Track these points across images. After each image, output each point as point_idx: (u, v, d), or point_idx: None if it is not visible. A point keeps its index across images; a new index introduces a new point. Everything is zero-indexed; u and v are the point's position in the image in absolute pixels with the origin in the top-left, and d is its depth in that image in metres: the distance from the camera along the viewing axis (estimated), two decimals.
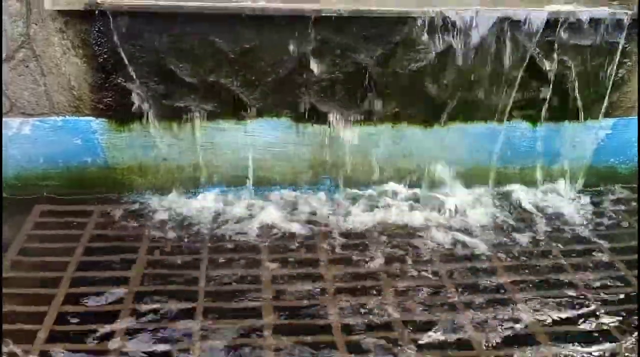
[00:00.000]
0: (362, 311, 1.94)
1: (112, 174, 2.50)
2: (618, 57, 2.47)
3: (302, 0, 2.32)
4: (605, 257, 2.28)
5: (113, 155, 2.46)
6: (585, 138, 2.69)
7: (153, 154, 2.47)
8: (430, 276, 2.13)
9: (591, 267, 2.21)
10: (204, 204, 2.52)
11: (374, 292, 2.04)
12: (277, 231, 2.38)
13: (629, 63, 2.53)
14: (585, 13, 2.37)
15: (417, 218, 2.50)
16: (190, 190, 2.56)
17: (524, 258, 2.26)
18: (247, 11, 2.26)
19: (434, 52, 2.40)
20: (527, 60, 2.44)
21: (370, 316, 1.91)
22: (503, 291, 2.06)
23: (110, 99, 2.36)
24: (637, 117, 2.67)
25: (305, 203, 2.57)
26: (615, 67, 2.50)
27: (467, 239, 2.36)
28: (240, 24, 2.28)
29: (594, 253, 2.30)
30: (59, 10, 2.17)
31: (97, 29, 2.22)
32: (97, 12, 2.17)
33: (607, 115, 2.64)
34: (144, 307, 1.91)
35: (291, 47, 2.34)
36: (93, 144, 2.44)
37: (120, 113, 2.39)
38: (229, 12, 2.25)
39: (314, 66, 2.39)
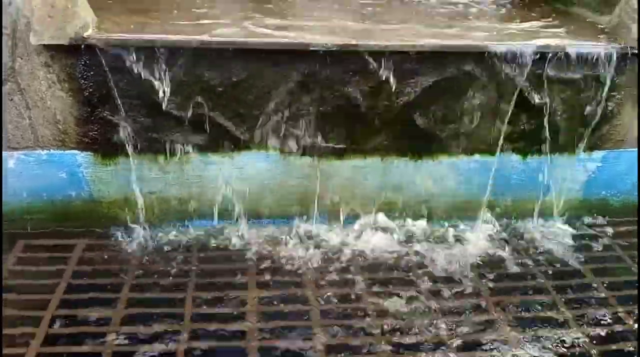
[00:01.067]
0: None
1: (97, 208, 2.46)
2: (607, 90, 2.47)
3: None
4: (601, 294, 2.25)
5: (98, 188, 2.43)
6: (576, 171, 2.67)
7: (139, 187, 2.44)
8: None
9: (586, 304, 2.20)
10: (191, 237, 2.49)
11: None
12: (265, 261, 2.36)
13: (618, 96, 2.52)
14: (573, 48, 2.37)
15: (405, 249, 2.48)
16: (176, 223, 2.53)
17: (513, 291, 2.24)
18: (234, 45, 2.25)
19: (422, 86, 2.39)
20: (516, 94, 2.44)
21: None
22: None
23: (95, 133, 2.33)
24: (629, 149, 2.67)
25: (292, 235, 2.54)
26: (604, 100, 2.50)
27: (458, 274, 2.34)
28: (228, 57, 2.27)
29: (587, 291, 2.28)
30: (44, 45, 2.15)
31: (83, 63, 2.20)
32: (83, 46, 2.15)
33: (597, 148, 2.64)
34: (126, 349, 1.86)
35: (280, 81, 2.33)
36: (78, 178, 2.40)
37: (106, 146, 2.36)
38: (216, 46, 2.24)
39: (303, 99, 2.38)
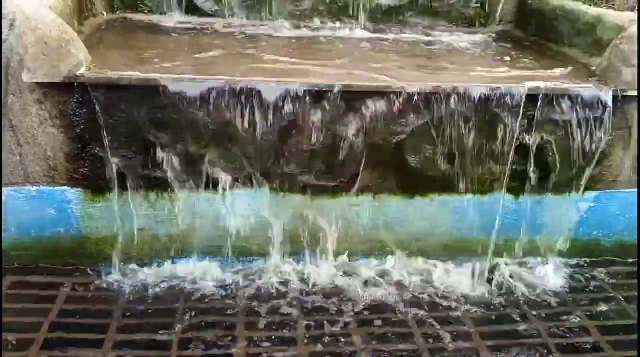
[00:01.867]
0: None
1: (86, 245, 2.44)
2: (599, 131, 2.48)
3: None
4: (591, 339, 2.23)
5: (87, 225, 2.41)
6: (568, 211, 2.67)
7: (129, 224, 2.42)
8: None
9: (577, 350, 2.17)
10: (181, 275, 2.46)
11: None
12: (254, 301, 2.33)
13: (610, 138, 2.54)
14: (565, 90, 2.38)
15: (393, 290, 2.46)
16: (166, 260, 2.50)
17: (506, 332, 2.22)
18: (228, 85, 2.25)
19: (414, 126, 2.40)
20: (508, 134, 2.45)
21: None
22: None
23: (86, 169, 2.32)
24: (621, 190, 2.67)
25: (284, 274, 2.51)
26: (596, 141, 2.51)
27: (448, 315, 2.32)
28: (220, 96, 2.27)
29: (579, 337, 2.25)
30: (37, 82, 2.16)
31: (75, 101, 2.21)
32: (76, 84, 2.16)
33: (589, 188, 2.63)
34: None
35: (271, 119, 2.33)
36: (67, 214, 2.38)
37: (96, 183, 2.35)
38: (208, 86, 2.24)
39: (295, 138, 2.38)
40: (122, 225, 2.42)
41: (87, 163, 2.32)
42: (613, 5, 3.04)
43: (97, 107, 2.20)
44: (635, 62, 2.40)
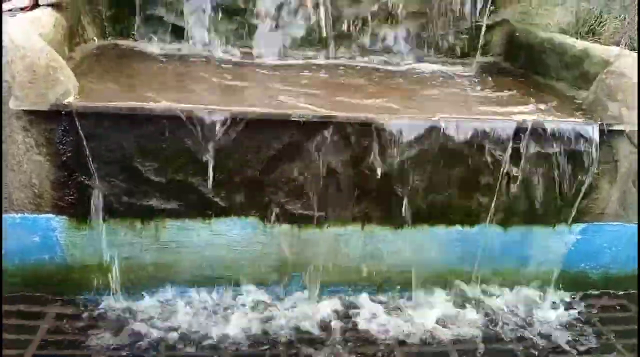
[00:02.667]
0: None
1: (70, 273, 2.40)
2: (585, 165, 2.50)
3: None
4: None
5: (72, 253, 2.38)
6: (556, 243, 2.67)
7: (114, 252, 2.39)
8: None
9: None
10: (166, 305, 2.43)
11: None
12: (238, 333, 2.30)
13: (597, 171, 2.55)
14: (551, 124, 2.40)
15: (379, 322, 2.45)
16: (152, 290, 2.47)
17: None
18: (215, 116, 2.25)
19: (402, 157, 2.41)
20: (495, 167, 2.46)
21: None
22: None
23: (71, 197, 2.30)
24: (608, 222, 2.68)
25: (270, 304, 2.49)
26: (583, 174, 2.52)
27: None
28: (209, 125, 2.27)
29: None
30: (24, 110, 2.15)
31: (62, 128, 2.19)
32: (63, 112, 2.15)
33: (576, 221, 2.64)
34: None
35: (259, 149, 2.33)
36: (52, 242, 2.35)
37: (82, 211, 2.32)
38: (197, 114, 2.24)
39: (283, 167, 2.38)
40: (108, 253, 2.39)
41: (72, 191, 2.30)
42: (599, 39, 3.08)
43: (84, 135, 2.19)
44: (621, 97, 2.42)
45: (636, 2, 3.37)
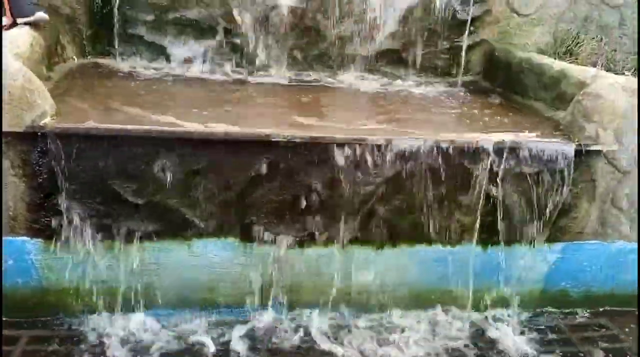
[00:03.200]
0: None
1: (46, 297, 2.36)
2: (564, 185, 2.52)
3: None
4: None
5: (47, 276, 2.34)
6: (536, 262, 2.67)
7: (91, 276, 2.35)
8: None
9: None
10: (145, 328, 2.39)
11: None
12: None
13: (575, 190, 2.57)
14: (529, 144, 2.42)
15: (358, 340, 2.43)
16: (129, 313, 2.43)
17: None
18: (196, 135, 2.24)
19: (382, 177, 2.41)
20: (475, 186, 2.47)
21: None
22: None
23: (47, 219, 2.26)
24: (588, 241, 2.70)
25: (250, 326, 2.46)
26: (562, 194, 2.54)
27: None
28: (188, 146, 2.26)
29: None
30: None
31: (38, 150, 2.17)
32: (39, 134, 2.12)
33: (556, 240, 2.65)
34: None
35: (239, 170, 2.32)
36: (26, 265, 2.31)
37: (58, 233, 2.28)
38: (177, 136, 2.23)
39: (263, 188, 2.37)
40: (84, 276, 2.35)
41: (48, 213, 2.26)
42: (577, 59, 3.13)
43: (60, 157, 2.16)
44: (597, 118, 2.45)
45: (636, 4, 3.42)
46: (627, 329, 2.65)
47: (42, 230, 2.28)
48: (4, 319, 2.33)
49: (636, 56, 3.03)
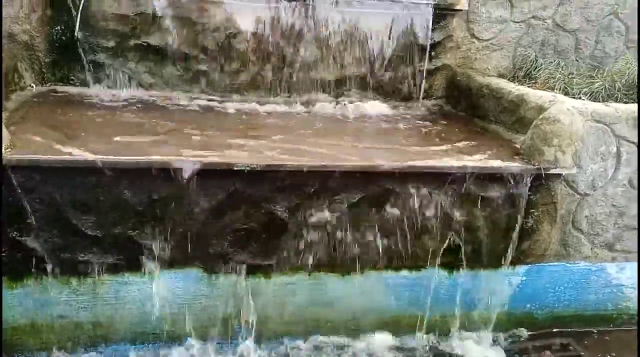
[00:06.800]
0: None
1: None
2: (525, 208, 2.55)
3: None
4: None
5: (4, 313, 2.25)
6: (500, 285, 2.70)
7: (49, 311, 2.28)
8: None
9: None
10: None
11: None
12: None
13: (537, 213, 2.61)
14: (490, 168, 2.45)
15: None
16: (89, 349, 2.36)
17: None
18: (156, 165, 2.20)
19: (348, 203, 2.40)
20: (438, 211, 2.48)
21: None
22: None
23: (3, 254, 2.18)
24: (550, 263, 2.73)
25: None
26: (523, 217, 2.57)
27: None
28: (148, 176, 2.22)
29: None
30: None
31: None
32: None
33: (519, 262, 2.68)
34: None
35: (202, 199, 2.28)
36: None
37: (14, 268, 2.21)
38: (139, 166, 2.19)
39: (227, 217, 2.34)
40: (41, 312, 2.27)
41: (4, 247, 2.18)
42: (535, 83, 3.19)
43: (16, 189, 2.10)
44: (556, 142, 2.50)
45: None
46: (592, 349, 2.68)
47: None
48: None
49: (591, 80, 3.10)
